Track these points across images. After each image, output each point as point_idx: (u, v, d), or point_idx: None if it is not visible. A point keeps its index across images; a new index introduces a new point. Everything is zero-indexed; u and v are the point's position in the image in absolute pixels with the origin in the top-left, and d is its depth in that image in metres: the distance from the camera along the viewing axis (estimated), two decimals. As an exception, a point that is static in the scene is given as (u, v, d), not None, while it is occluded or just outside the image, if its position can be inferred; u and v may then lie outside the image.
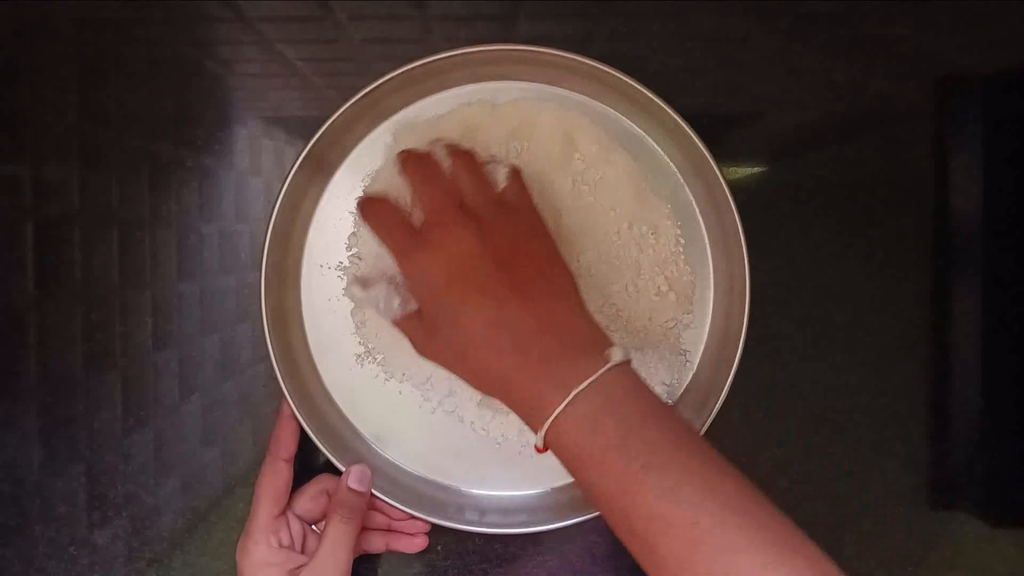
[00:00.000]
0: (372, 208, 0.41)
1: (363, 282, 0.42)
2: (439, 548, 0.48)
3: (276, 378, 0.43)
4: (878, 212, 0.49)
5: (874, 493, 0.49)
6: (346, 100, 0.42)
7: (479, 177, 0.40)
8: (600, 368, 0.33)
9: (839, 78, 0.49)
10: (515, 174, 0.41)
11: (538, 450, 0.35)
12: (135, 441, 0.47)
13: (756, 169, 0.49)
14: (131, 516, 0.47)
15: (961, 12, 0.49)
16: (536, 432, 0.35)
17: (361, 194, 0.44)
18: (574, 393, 0.33)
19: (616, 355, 0.34)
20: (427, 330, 0.39)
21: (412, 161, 0.41)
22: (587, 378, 0.33)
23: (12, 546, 0.47)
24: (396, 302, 0.41)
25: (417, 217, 0.40)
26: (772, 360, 0.48)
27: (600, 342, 0.36)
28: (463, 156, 0.41)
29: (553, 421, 0.33)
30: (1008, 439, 0.49)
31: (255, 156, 0.48)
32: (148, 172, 0.48)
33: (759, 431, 0.48)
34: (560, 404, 0.33)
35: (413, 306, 0.40)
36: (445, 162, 0.41)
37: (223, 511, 0.48)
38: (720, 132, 0.48)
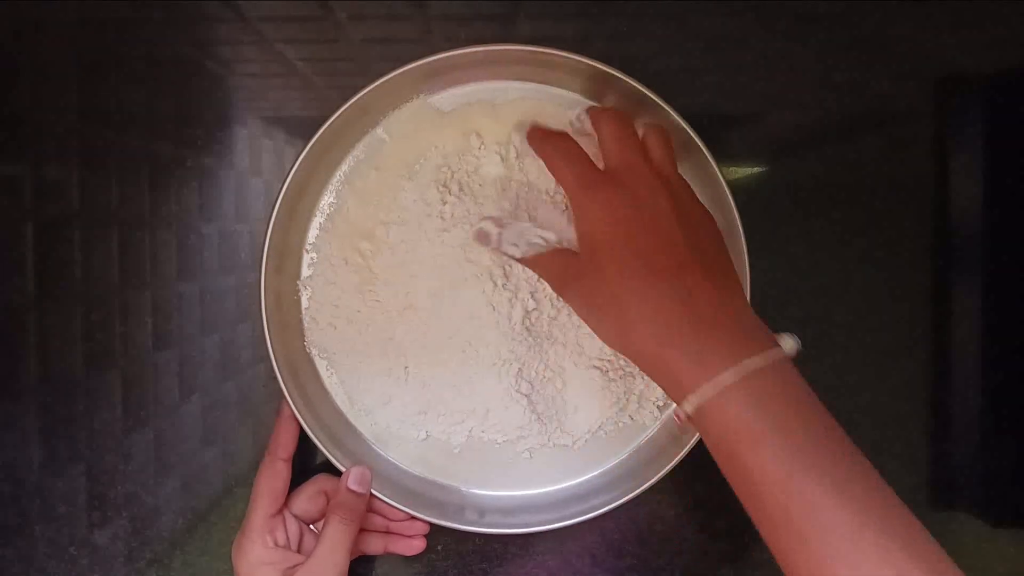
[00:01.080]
0: (551, 138, 0.40)
1: (497, 223, 0.41)
2: (439, 548, 0.48)
3: (276, 378, 0.43)
4: (878, 212, 0.49)
5: (874, 493, 0.49)
6: (346, 100, 0.42)
7: (670, 149, 0.39)
8: (774, 351, 0.33)
9: (839, 78, 0.49)
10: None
11: (681, 420, 0.33)
12: (135, 441, 0.47)
13: (756, 169, 0.49)
14: (131, 516, 0.47)
15: (961, 12, 0.49)
16: (684, 399, 0.33)
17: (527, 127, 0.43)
18: (749, 366, 0.32)
19: (788, 344, 0.34)
20: (577, 273, 0.37)
21: (605, 116, 0.39)
22: (759, 353, 0.32)
23: (12, 546, 0.47)
24: (537, 237, 0.39)
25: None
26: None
27: (767, 332, 0.35)
28: (657, 127, 0.39)
29: (718, 393, 0.32)
30: (1008, 439, 0.49)
31: (255, 156, 0.48)
32: (148, 172, 0.48)
33: (759, 431, 0.48)
34: (730, 371, 0.32)
35: (555, 242, 0.39)
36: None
37: (223, 511, 0.48)
38: (720, 132, 0.48)
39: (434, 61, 0.42)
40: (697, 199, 0.39)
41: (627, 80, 0.42)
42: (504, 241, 0.40)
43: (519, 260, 0.41)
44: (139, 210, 0.47)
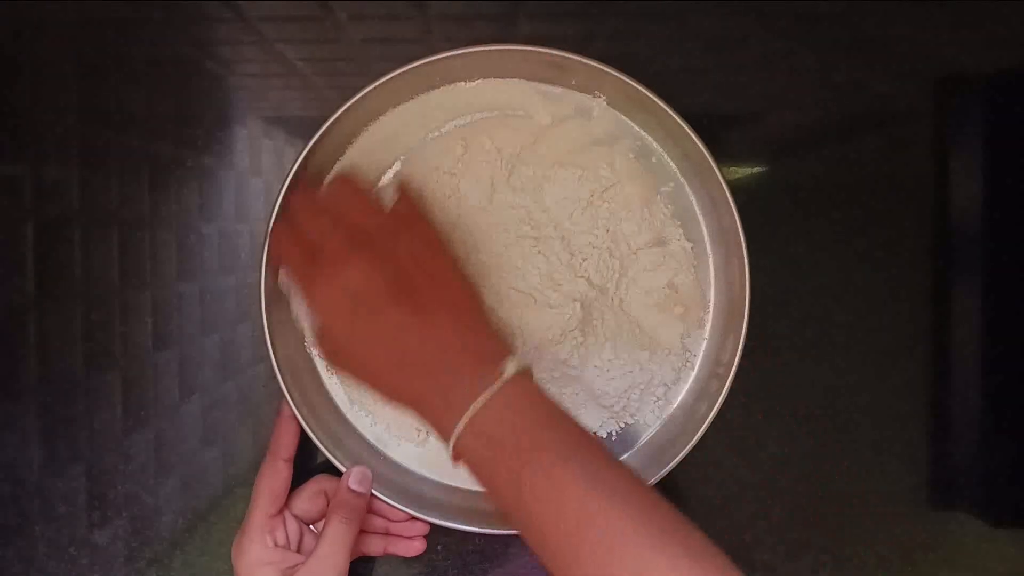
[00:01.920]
0: (277, 237, 0.41)
1: (285, 288, 0.44)
2: (439, 548, 0.48)
3: (275, 378, 0.43)
4: (878, 212, 0.49)
5: (874, 493, 0.49)
6: (346, 100, 0.42)
7: (362, 200, 0.39)
8: (496, 381, 0.34)
9: (839, 78, 0.49)
10: (403, 189, 0.41)
11: (453, 460, 0.36)
12: (135, 441, 0.47)
13: (756, 169, 0.49)
14: (131, 516, 0.47)
15: (961, 12, 0.49)
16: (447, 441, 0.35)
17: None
18: (473, 408, 0.34)
19: (510, 368, 0.35)
20: (331, 350, 0.38)
21: (293, 200, 0.40)
22: (485, 391, 0.34)
23: (12, 546, 0.47)
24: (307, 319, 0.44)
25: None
26: (772, 360, 0.48)
27: (499, 354, 0.36)
28: (339, 182, 0.40)
29: (457, 437, 0.34)
30: (1008, 439, 0.49)
31: (255, 156, 0.48)
32: (148, 172, 0.48)
33: (759, 431, 0.48)
34: (461, 420, 0.34)
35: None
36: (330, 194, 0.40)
37: (223, 511, 0.48)
38: (720, 132, 0.48)
39: (438, 60, 0.42)
40: (412, 229, 0.39)
41: (627, 80, 0.42)
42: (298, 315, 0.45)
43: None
44: (139, 210, 0.47)
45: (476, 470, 0.35)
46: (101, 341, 0.47)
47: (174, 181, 0.48)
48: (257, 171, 0.48)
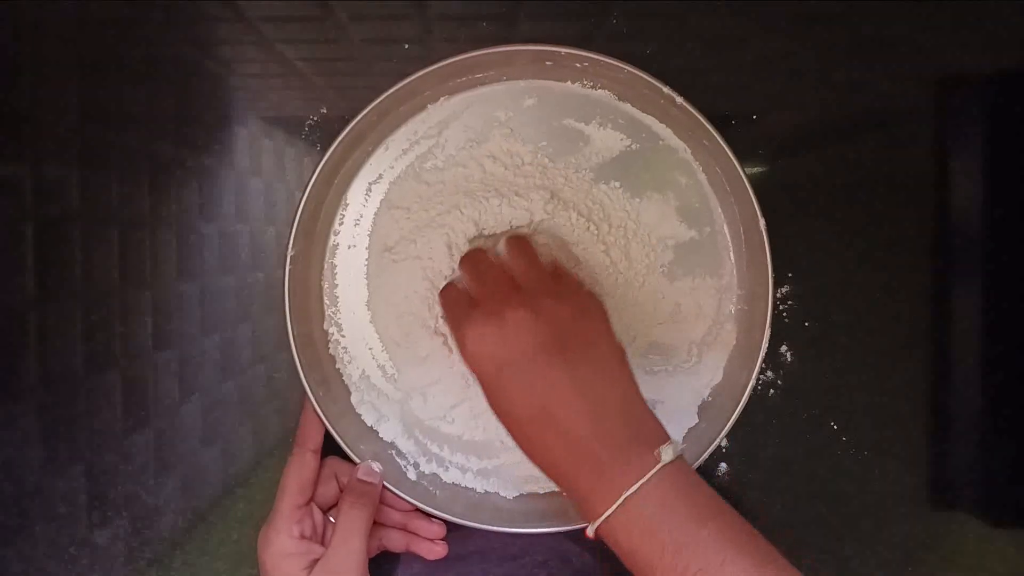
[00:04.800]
0: (445, 289, 0.43)
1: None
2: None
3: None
4: (878, 212, 0.49)
5: (874, 493, 0.49)
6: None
7: (531, 257, 0.41)
8: (652, 468, 0.33)
9: (839, 78, 0.49)
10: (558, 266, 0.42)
11: (593, 537, 0.35)
12: (135, 441, 0.47)
13: (756, 169, 0.49)
14: (131, 516, 0.47)
15: (961, 12, 0.48)
16: (588, 524, 0.34)
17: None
18: (625, 496, 0.33)
19: (667, 454, 0.34)
20: (485, 394, 0.38)
21: (467, 257, 0.43)
22: (639, 479, 0.33)
23: (12, 546, 0.47)
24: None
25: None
26: (772, 360, 0.48)
27: (653, 435, 0.35)
28: (513, 239, 0.42)
29: (605, 520, 0.33)
30: (1008, 439, 0.49)
31: (255, 156, 0.48)
32: (148, 172, 0.48)
33: (759, 431, 0.48)
34: (612, 506, 0.33)
35: None
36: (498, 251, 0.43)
37: (223, 511, 0.48)
38: (720, 132, 0.48)
39: (466, 59, 0.42)
40: (575, 293, 0.39)
41: (641, 75, 0.42)
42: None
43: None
44: (139, 210, 0.47)
45: (622, 552, 0.34)
46: (101, 341, 0.47)
47: (174, 181, 0.48)
48: (257, 171, 0.48)
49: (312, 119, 0.47)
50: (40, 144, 0.47)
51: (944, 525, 0.49)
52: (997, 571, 0.49)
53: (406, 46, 0.47)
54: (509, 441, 0.45)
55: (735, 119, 0.49)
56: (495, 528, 0.44)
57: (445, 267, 0.44)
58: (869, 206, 0.49)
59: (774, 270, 0.42)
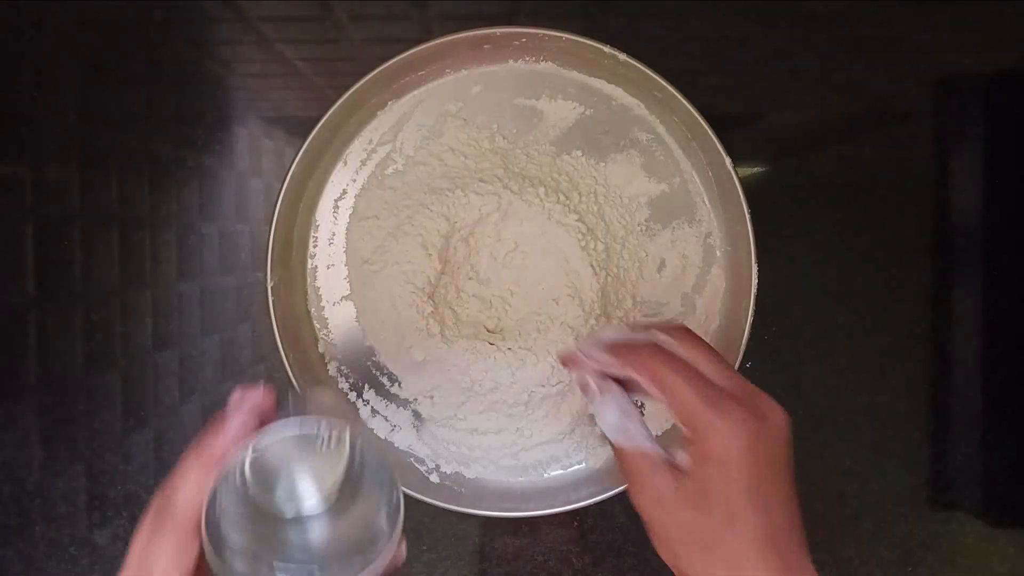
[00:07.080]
0: (651, 354, 0.33)
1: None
2: (439, 548, 0.48)
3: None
4: (878, 212, 0.49)
5: (874, 493, 0.49)
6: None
7: (722, 363, 0.33)
8: None
9: (839, 78, 0.49)
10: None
11: None
12: (135, 441, 0.47)
13: (756, 169, 0.49)
14: (131, 516, 0.47)
15: (961, 12, 0.48)
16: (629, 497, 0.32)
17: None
18: None
19: None
20: (687, 499, 0.32)
21: (691, 338, 0.34)
22: None
23: (12, 546, 0.47)
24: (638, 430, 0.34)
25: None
26: (772, 360, 0.48)
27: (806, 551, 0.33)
28: (694, 338, 0.34)
29: None
30: (1008, 439, 0.49)
31: (255, 156, 0.48)
32: (148, 172, 0.48)
33: (759, 431, 0.48)
34: None
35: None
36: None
37: (223, 511, 0.48)
38: (720, 132, 0.48)
39: (438, 43, 0.42)
40: (761, 398, 0.35)
41: (643, 68, 0.42)
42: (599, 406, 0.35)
43: (614, 448, 0.34)
44: (139, 210, 0.47)
45: None
46: (101, 341, 0.47)
47: (174, 181, 0.48)
48: (257, 171, 0.48)
49: (312, 119, 0.47)
50: (40, 144, 0.47)
51: (944, 525, 0.49)
52: (997, 571, 0.49)
53: (406, 46, 0.47)
54: (525, 428, 0.46)
55: (735, 119, 0.49)
56: (537, 513, 0.43)
57: (425, 268, 0.44)
58: (869, 206, 0.49)
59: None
